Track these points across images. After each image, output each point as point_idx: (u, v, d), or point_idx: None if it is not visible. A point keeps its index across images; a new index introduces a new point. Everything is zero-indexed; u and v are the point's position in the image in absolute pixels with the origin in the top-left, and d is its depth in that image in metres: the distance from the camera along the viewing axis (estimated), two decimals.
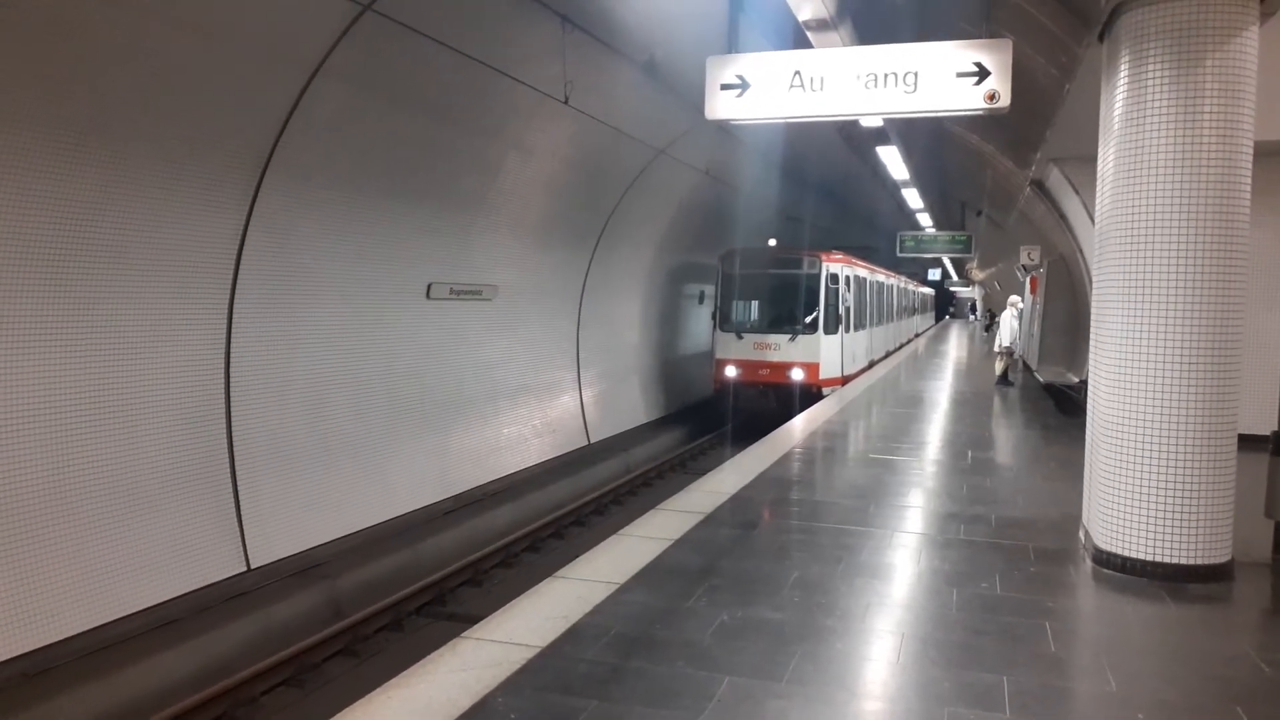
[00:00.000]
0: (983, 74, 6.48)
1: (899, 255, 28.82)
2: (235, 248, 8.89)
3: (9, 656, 6.85)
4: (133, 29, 7.08)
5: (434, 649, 4.42)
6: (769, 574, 5.74)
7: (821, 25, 7.42)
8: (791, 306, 19.16)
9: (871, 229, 36.67)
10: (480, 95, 11.21)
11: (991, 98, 6.46)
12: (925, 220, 28.34)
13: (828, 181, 27.12)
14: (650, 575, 5.58)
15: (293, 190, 9.35)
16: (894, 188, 22.72)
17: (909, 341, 36.30)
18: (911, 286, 40.33)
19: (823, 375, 18.54)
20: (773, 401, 18.47)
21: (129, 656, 7.34)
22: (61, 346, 7.43)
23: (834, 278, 19.13)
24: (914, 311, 41.79)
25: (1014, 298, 19.28)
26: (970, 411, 14.34)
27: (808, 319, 18.86)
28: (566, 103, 11.81)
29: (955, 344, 35.83)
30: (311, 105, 8.96)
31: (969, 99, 6.49)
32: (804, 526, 7.22)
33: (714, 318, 19.70)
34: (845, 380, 18.88)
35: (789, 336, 18.71)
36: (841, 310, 19.30)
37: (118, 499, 7.91)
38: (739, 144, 18.53)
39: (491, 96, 11.40)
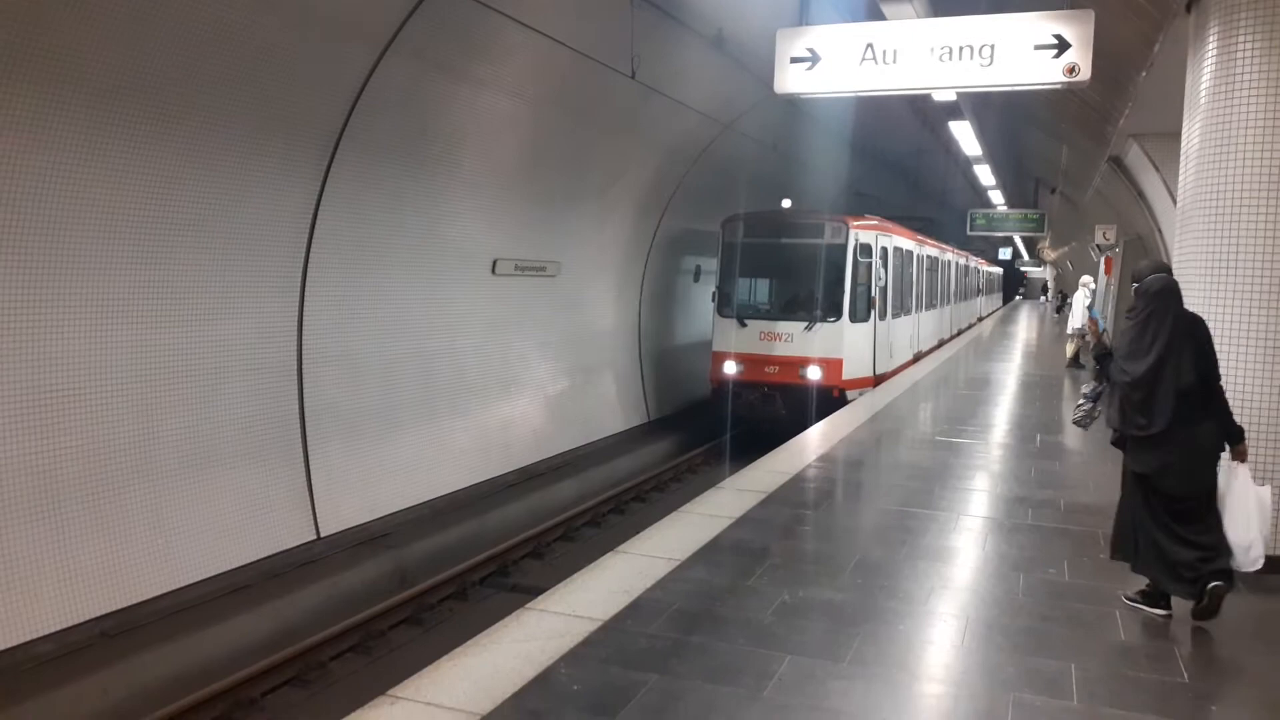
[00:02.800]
0: (1062, 46, 6.29)
1: (969, 233, 28.21)
2: (309, 222, 9.06)
3: (93, 616, 7.15)
4: (219, 11, 7.25)
5: (498, 619, 4.50)
6: (830, 554, 5.71)
7: None
8: (808, 286, 15.05)
9: (942, 206, 35.92)
10: (544, 69, 11.24)
11: (1071, 71, 6.27)
12: (997, 198, 27.70)
13: (898, 157, 26.65)
14: (711, 552, 5.59)
15: (363, 165, 9.49)
16: (966, 164, 22.25)
17: (971, 326, 31.63)
18: (975, 264, 34.72)
19: (847, 374, 14.32)
20: (780, 407, 14.33)
21: (207, 618, 7.61)
22: (146, 316, 7.67)
23: (864, 249, 14.81)
24: (978, 292, 36.38)
25: (1086, 278, 18.73)
26: (1040, 394, 14.03)
27: (828, 303, 14.60)
28: (633, 77, 11.77)
29: (1025, 325, 35.03)
30: (382, 82, 9.06)
31: (1047, 72, 6.32)
32: (866, 508, 7.17)
33: (714, 300, 15.64)
34: (878, 381, 14.82)
35: (804, 325, 14.47)
36: (875, 291, 14.97)
37: (196, 465, 8.17)
38: (806, 118, 18.26)
39: (562, 72, 11.41)
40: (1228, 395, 4.62)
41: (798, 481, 7.57)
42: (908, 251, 17.89)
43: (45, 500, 6.96)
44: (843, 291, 14.48)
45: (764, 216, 15.72)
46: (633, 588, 4.90)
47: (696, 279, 18.61)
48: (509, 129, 11.54)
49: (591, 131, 13.23)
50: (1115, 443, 4.81)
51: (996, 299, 49.24)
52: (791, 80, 7.05)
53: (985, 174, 22.20)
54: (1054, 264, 61.11)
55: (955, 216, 31.32)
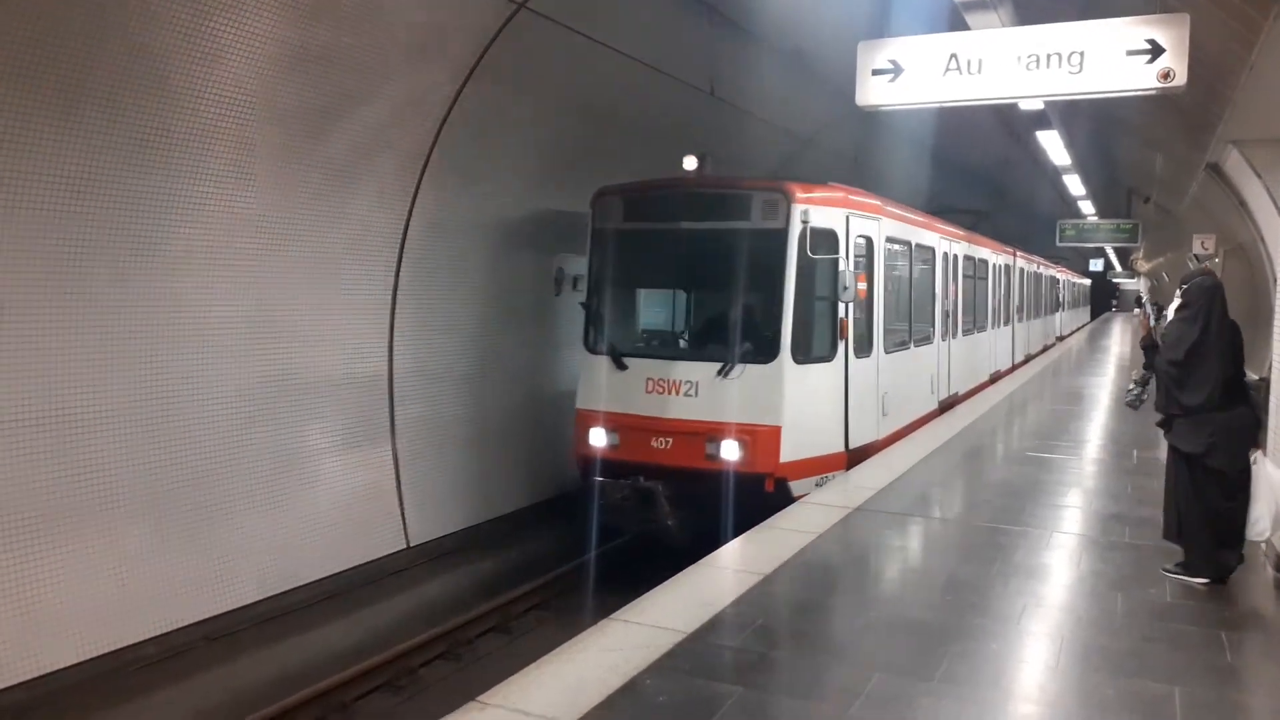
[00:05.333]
0: (1156, 51, 6.12)
1: (1058, 244, 27.46)
2: (398, 242, 9.31)
3: (195, 620, 7.43)
4: (324, 42, 7.58)
5: (582, 629, 4.54)
6: (918, 570, 5.62)
7: (980, 5, 7.16)
8: (722, 303, 9.35)
9: (1029, 217, 35.07)
10: (630, 90, 11.34)
11: (1166, 76, 6.09)
12: (1087, 208, 26.93)
13: (981, 167, 26.12)
14: (795, 567, 5.56)
15: (450, 186, 9.69)
16: (1054, 174, 21.69)
17: (1047, 349, 25.97)
18: (1053, 273, 28.64)
19: (789, 452, 8.40)
20: (666, 513, 8.39)
21: (302, 624, 7.85)
22: (249, 337, 7.99)
23: (823, 239, 8.63)
24: (1058, 307, 30.28)
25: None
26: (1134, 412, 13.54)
27: (757, 331, 8.78)
28: (712, 94, 11.81)
29: (1118, 339, 33.90)
30: (467, 105, 9.28)
31: (1141, 78, 6.14)
32: (955, 523, 7.04)
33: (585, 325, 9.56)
34: (857, 457, 9.02)
35: (717, 368, 8.53)
36: (846, 309, 8.85)
37: (295, 475, 8.44)
38: (886, 129, 18.04)
39: (640, 91, 11.50)
40: None
41: (883, 496, 7.45)
42: (925, 247, 12.09)
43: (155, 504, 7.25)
44: (780, 311, 8.39)
45: (655, 189, 9.45)
46: (716, 601, 4.90)
47: (558, 291, 11.25)
48: (593, 153, 11.61)
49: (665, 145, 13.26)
50: (1160, 424, 5.42)
51: (1082, 314, 45.42)
52: (873, 93, 7.00)
53: (1075, 184, 21.60)
54: (1148, 275, 59.08)
55: (1043, 227, 30.50)
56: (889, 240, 10.20)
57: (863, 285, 9.30)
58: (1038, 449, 9.79)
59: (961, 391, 13.94)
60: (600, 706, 3.68)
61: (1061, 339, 31.30)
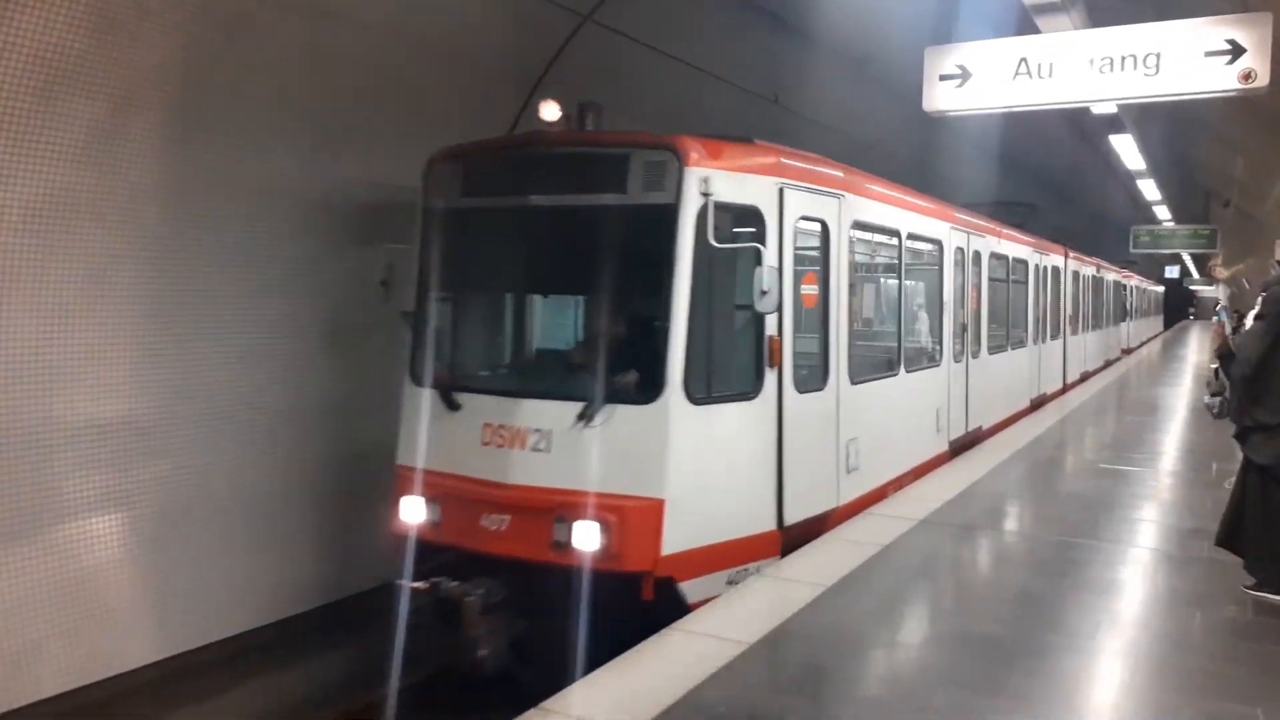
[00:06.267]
0: (1236, 52, 5.96)
1: (1132, 250, 26.73)
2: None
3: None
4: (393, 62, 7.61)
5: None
6: (987, 584, 5.52)
7: (1051, 8, 7.03)
8: (587, 317, 7.05)
9: (1101, 223, 34.24)
10: (698, 101, 11.36)
11: (1247, 77, 5.93)
12: (1163, 213, 26.22)
13: (1052, 172, 25.60)
14: (859, 580, 5.48)
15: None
16: (1127, 178, 21.17)
17: (1110, 364, 22.62)
18: (1117, 277, 24.97)
19: (676, 540, 5.55)
20: (479, 636, 5.66)
21: None
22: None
23: (739, 222, 6.11)
24: (1124, 316, 26.69)
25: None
26: (1212, 421, 13.11)
27: (631, 355, 5.91)
28: (776, 101, 11.78)
29: (1195, 348, 32.88)
30: (531, 119, 9.38)
31: (1220, 79, 5.99)
32: (1026, 537, 6.89)
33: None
34: (794, 540, 6.21)
35: (577, 410, 5.70)
36: (776, 322, 6.14)
37: None
38: (952, 134, 17.79)
39: (707, 101, 11.53)
40: None
41: (951, 508, 7.29)
42: (925, 239, 9.27)
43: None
44: (667, 326, 5.70)
45: (502, 150, 6.98)
46: (778, 613, 4.86)
47: (387, 297, 8.09)
48: None
49: None
50: (1236, 436, 5.25)
51: (1154, 323, 41.34)
52: (941, 98, 6.93)
53: (1149, 188, 21.08)
54: (1227, 282, 57.24)
55: (1116, 234, 29.76)
56: (860, 227, 7.50)
57: (812, 289, 6.73)
58: (1112, 460, 9.52)
59: (987, 425, 11.06)
60: (661, 716, 3.67)
61: (1129, 351, 27.51)
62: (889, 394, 8.12)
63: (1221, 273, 52.84)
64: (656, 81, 10.69)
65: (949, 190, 20.75)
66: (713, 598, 5.29)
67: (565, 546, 5.50)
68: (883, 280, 9.16)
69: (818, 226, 6.78)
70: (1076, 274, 17.97)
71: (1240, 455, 5.31)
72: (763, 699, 3.86)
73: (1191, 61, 6.06)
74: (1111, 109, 11.04)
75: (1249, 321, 17.58)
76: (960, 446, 9.84)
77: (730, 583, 5.73)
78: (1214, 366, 5.85)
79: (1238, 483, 5.26)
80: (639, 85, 10.54)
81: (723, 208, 5.76)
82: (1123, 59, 6.25)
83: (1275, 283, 5.16)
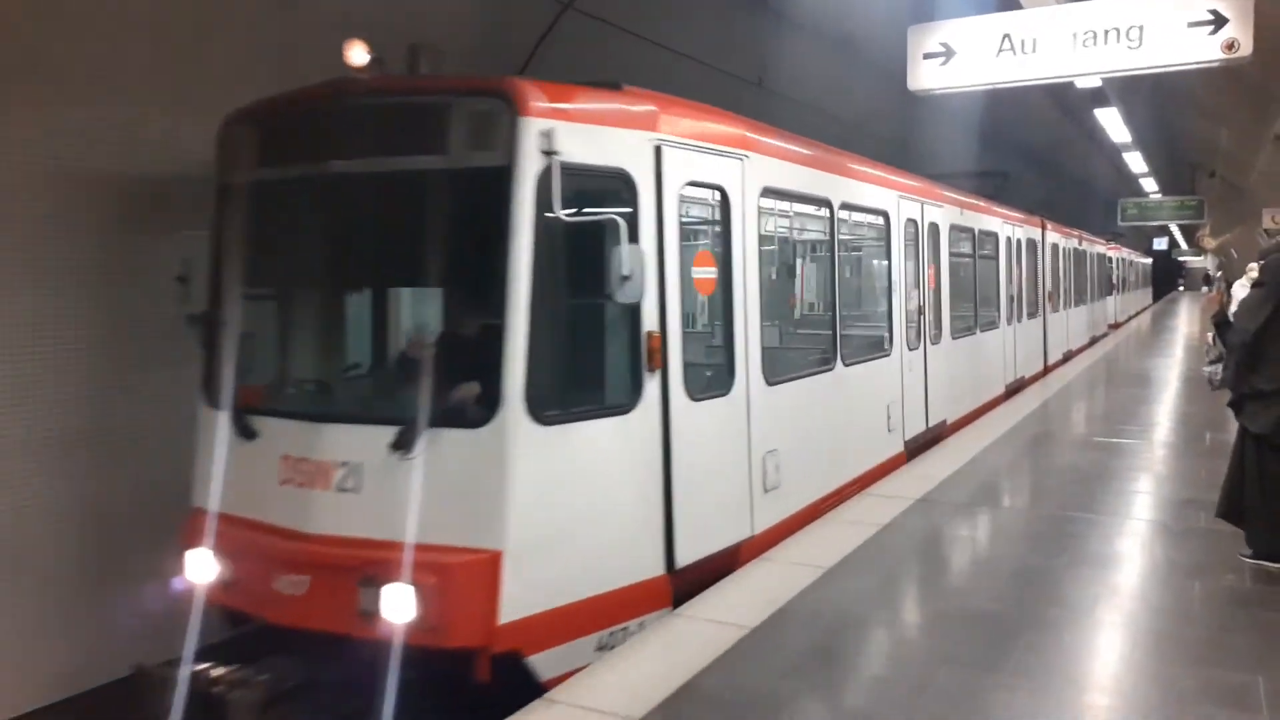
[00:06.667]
0: (1219, 21, 5.95)
1: (1120, 224, 26.82)
2: None
3: None
4: None
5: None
6: (986, 561, 5.54)
7: None
8: (402, 316, 5.98)
9: (1087, 197, 34.27)
10: (682, 87, 11.31)
11: (1230, 47, 5.92)
12: (1150, 185, 26.29)
13: (1035, 148, 25.62)
14: (859, 561, 5.50)
15: None
16: (1113, 152, 21.22)
17: (1096, 340, 21.68)
18: (1101, 249, 23.83)
19: (519, 603, 4.22)
20: None
21: None
22: None
23: (597, 188, 4.83)
24: (1110, 289, 25.62)
25: (1252, 265, 17.46)
26: (1206, 391, 13.16)
27: (460, 370, 4.53)
28: (760, 84, 11.75)
29: (1185, 319, 33.00)
30: None
31: (1204, 50, 5.99)
32: (1023, 512, 6.91)
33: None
34: (691, 584, 5.01)
35: (392, 437, 4.34)
36: (657, 318, 4.90)
37: None
38: (935, 110, 17.75)
39: (691, 86, 11.48)
40: None
41: (948, 486, 7.32)
42: (865, 209, 8.06)
43: None
44: (503, 325, 4.36)
45: (299, 105, 5.02)
46: (779, 596, 4.87)
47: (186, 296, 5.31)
48: None
49: None
50: (1231, 404, 5.23)
51: (1142, 296, 40.17)
52: (926, 77, 6.92)
53: (1135, 161, 21.14)
54: (1216, 252, 57.46)
55: (1104, 207, 29.85)
56: (775, 194, 6.33)
57: (708, 272, 5.47)
58: (1105, 433, 9.56)
59: (953, 419, 10.00)
60: (666, 702, 3.68)
61: (1116, 326, 26.31)
62: (821, 393, 6.85)
63: (1210, 243, 53.01)
64: (640, 69, 10.64)
65: (931, 166, 20.76)
66: (580, 668, 4.16)
67: (373, 616, 4.14)
68: (810, 259, 7.84)
69: (714, 195, 5.54)
70: (1056, 247, 16.79)
71: (1235, 425, 5.32)
72: (768, 682, 3.87)
73: (1174, 33, 6.05)
74: (1096, 82, 11.04)
75: (1237, 290, 17.57)
76: (919, 446, 8.72)
77: (601, 648, 4.51)
78: (1210, 334, 5.84)
79: (1235, 454, 5.27)
80: (622, 73, 10.48)
81: (574, 170, 4.43)
82: (1105, 32, 6.24)
83: (1274, 250, 5.17)
